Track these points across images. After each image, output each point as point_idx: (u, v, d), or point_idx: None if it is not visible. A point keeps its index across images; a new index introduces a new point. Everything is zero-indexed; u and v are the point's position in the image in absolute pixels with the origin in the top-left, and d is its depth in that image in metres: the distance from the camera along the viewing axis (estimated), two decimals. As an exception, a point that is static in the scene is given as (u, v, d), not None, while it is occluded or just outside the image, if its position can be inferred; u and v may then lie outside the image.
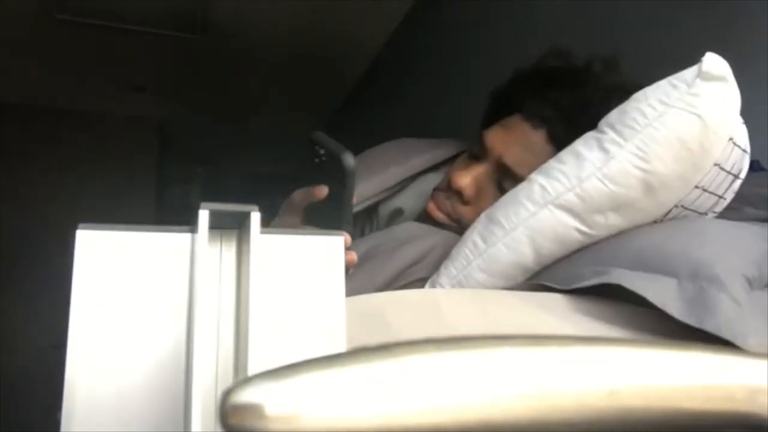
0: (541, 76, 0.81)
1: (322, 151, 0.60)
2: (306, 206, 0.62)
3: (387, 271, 0.68)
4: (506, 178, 0.76)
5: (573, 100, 0.75)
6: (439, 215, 0.79)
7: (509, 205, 0.64)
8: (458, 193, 0.78)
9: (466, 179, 0.77)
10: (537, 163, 0.68)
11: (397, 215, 0.90)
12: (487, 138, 0.79)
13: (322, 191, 0.60)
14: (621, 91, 0.71)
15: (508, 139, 0.77)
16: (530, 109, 0.77)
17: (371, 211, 0.93)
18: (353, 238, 0.62)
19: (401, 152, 0.92)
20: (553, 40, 0.82)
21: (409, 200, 0.90)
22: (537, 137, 0.76)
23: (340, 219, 0.59)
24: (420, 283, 0.68)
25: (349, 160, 0.57)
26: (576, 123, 0.71)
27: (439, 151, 0.92)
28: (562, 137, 0.73)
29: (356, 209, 0.85)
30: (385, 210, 0.91)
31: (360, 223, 0.94)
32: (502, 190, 0.74)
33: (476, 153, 0.80)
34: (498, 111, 0.83)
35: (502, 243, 0.63)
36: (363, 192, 0.85)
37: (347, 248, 0.61)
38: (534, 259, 0.63)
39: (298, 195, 0.63)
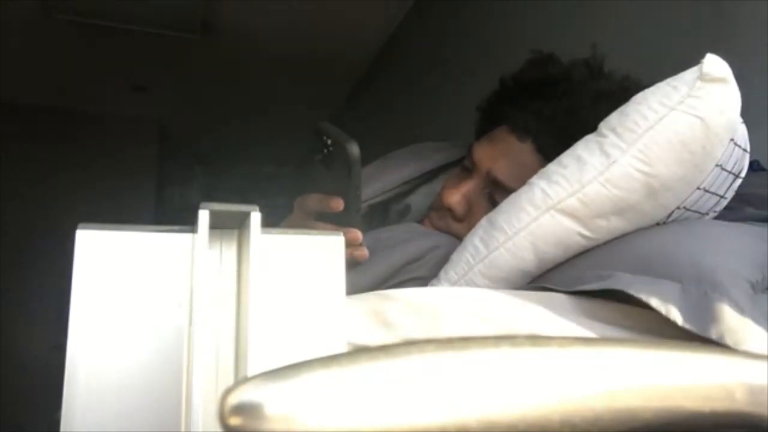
0: (523, 87, 0.81)
1: (329, 141, 0.60)
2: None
3: (385, 267, 0.68)
4: (497, 192, 0.76)
5: (556, 109, 0.75)
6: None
7: (511, 209, 0.64)
8: (450, 211, 0.78)
9: (455, 197, 0.77)
10: (527, 174, 0.67)
11: (405, 212, 0.91)
12: (475, 152, 0.79)
13: (339, 204, 0.61)
14: (609, 96, 0.71)
15: (495, 153, 0.78)
16: (515, 121, 0.78)
17: (384, 211, 0.93)
18: (362, 231, 0.63)
19: (416, 153, 0.93)
20: (556, 38, 0.82)
21: (418, 198, 0.91)
22: (524, 149, 0.77)
23: (350, 211, 0.60)
24: (417, 282, 0.68)
25: (353, 148, 0.58)
26: (563, 132, 0.71)
27: (451, 152, 0.93)
28: (549, 148, 0.73)
29: (368, 203, 0.86)
30: (395, 208, 0.92)
31: (375, 224, 0.94)
32: (494, 204, 0.74)
33: (467, 166, 0.80)
34: (485, 123, 0.84)
35: (504, 248, 0.63)
36: (375, 188, 0.87)
37: (359, 244, 0.62)
38: (536, 264, 0.63)
39: (313, 201, 0.64)
